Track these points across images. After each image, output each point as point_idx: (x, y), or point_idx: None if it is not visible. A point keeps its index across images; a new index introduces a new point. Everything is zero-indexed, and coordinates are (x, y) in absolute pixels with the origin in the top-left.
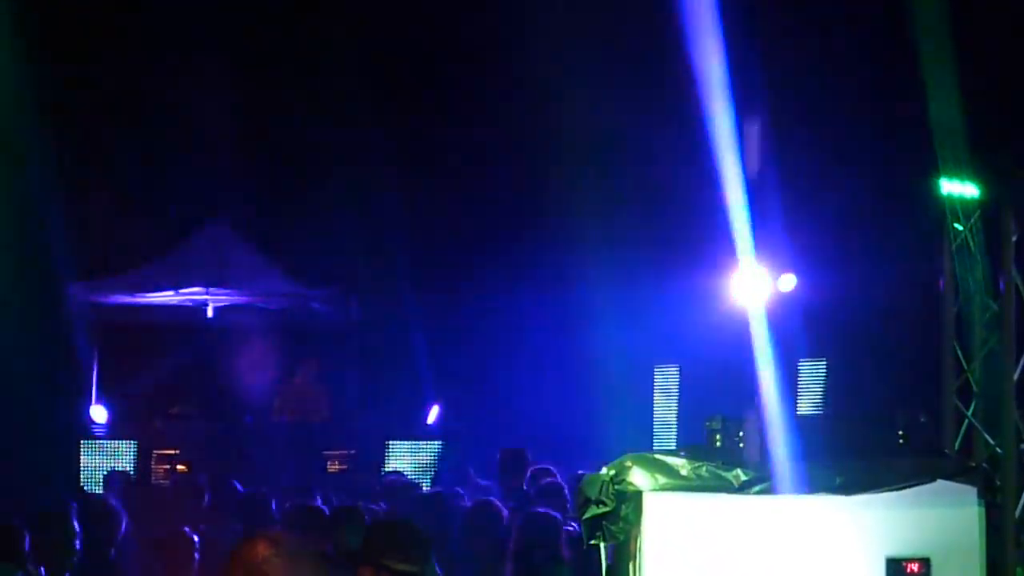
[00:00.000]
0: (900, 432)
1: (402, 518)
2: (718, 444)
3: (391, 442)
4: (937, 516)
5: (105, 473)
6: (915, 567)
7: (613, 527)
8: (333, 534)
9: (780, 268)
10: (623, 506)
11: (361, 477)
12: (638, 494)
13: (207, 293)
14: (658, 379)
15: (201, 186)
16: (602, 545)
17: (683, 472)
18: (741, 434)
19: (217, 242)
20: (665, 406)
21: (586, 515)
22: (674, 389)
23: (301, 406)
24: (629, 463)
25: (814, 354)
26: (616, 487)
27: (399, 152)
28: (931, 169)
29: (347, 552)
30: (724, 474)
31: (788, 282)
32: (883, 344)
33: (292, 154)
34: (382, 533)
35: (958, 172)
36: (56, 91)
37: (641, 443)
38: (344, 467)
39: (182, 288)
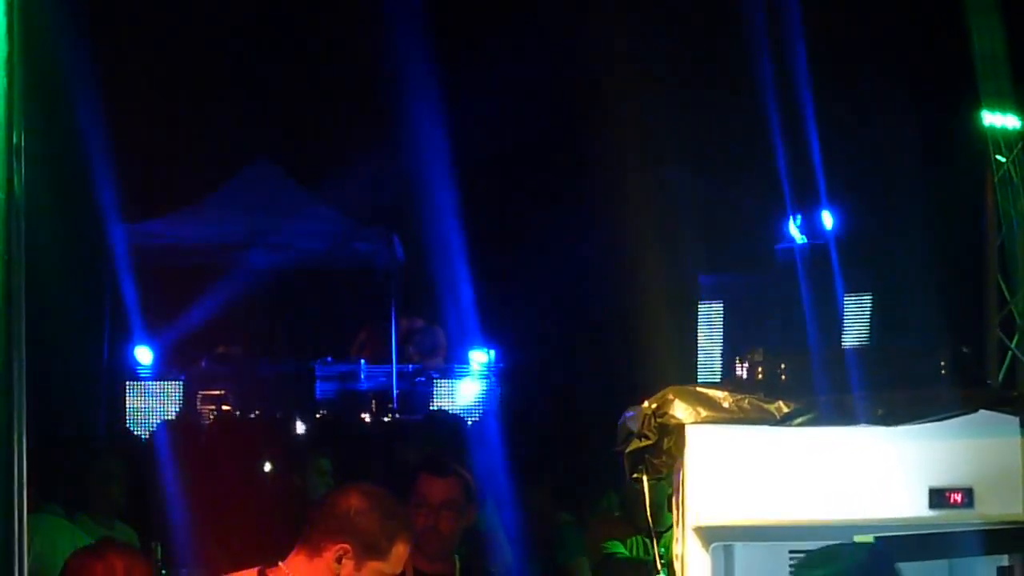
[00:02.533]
0: (942, 363)
1: None
2: (760, 377)
3: (437, 380)
4: (980, 446)
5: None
6: (958, 497)
7: (656, 460)
8: None
9: (823, 204)
10: (665, 439)
11: (407, 415)
12: (680, 427)
13: (252, 232)
14: (702, 315)
15: (246, 125)
16: (645, 478)
17: (725, 404)
18: (783, 366)
19: (262, 181)
20: (709, 342)
21: (629, 449)
22: (719, 325)
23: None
24: (671, 396)
25: (859, 289)
26: (658, 420)
27: (444, 87)
28: (973, 101)
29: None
30: (766, 406)
31: (831, 218)
32: (927, 277)
33: (336, 92)
34: None
35: (1000, 104)
36: (102, 33)
37: (686, 380)
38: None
39: (227, 228)
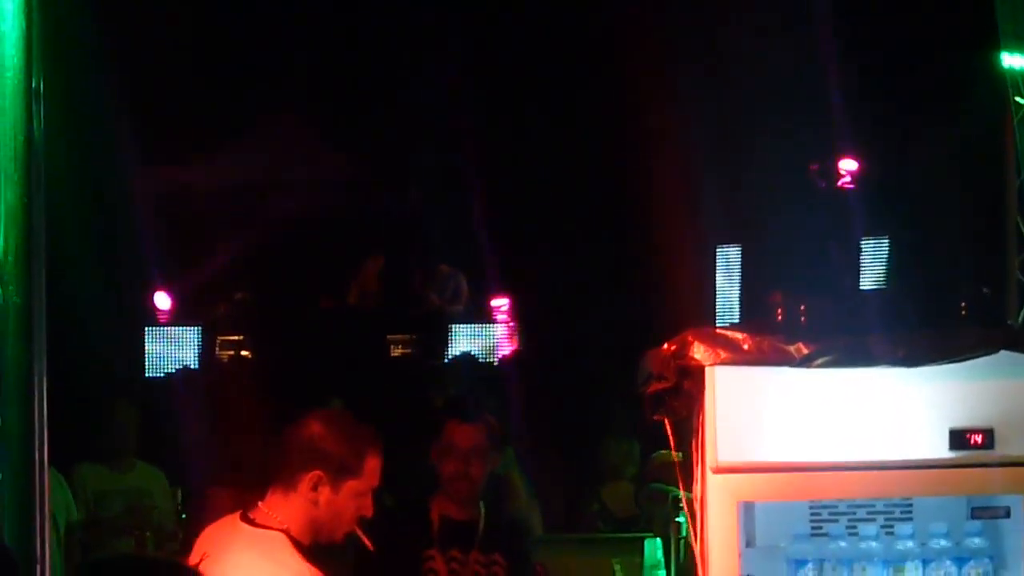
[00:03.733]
0: (963, 304)
1: None
2: (780, 318)
3: (454, 326)
4: (1000, 387)
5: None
6: (978, 438)
7: (675, 402)
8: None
9: (842, 147)
10: (685, 381)
11: (424, 361)
12: (700, 368)
13: (271, 177)
14: (720, 259)
15: (267, 71)
16: (664, 420)
17: (744, 346)
18: (803, 308)
19: (281, 129)
20: (728, 286)
21: (648, 390)
22: (737, 269)
23: (371, 292)
24: (691, 338)
25: (877, 232)
26: (678, 362)
27: (460, 27)
28: (992, 42)
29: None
30: (786, 347)
31: (850, 163)
32: (946, 220)
33: (354, 35)
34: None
35: (1020, 45)
36: None
37: (704, 323)
38: (407, 351)
39: (246, 173)
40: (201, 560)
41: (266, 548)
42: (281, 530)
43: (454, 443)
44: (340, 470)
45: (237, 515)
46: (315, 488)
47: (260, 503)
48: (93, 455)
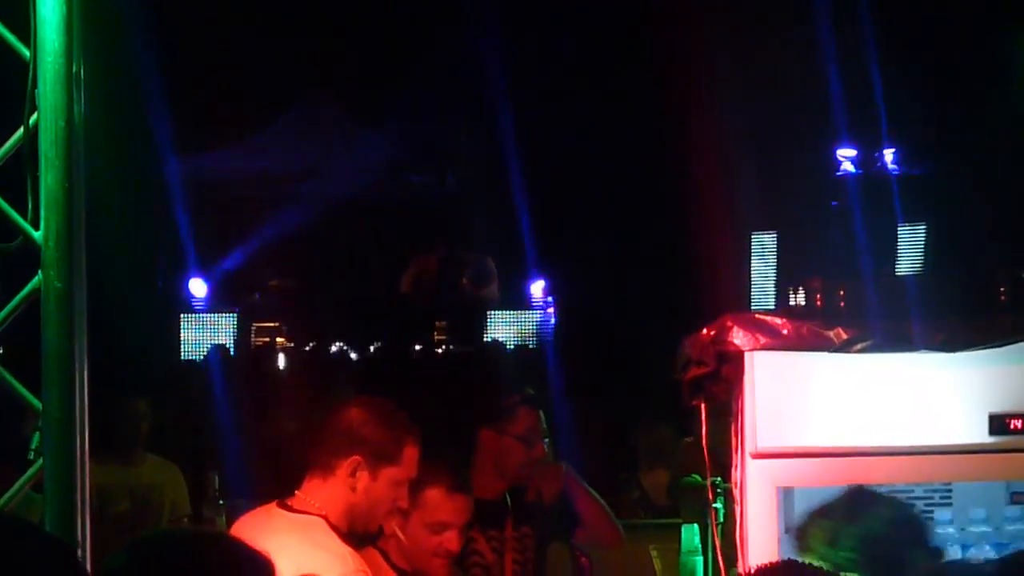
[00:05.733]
0: (1001, 289)
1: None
2: (818, 304)
3: (490, 312)
4: None
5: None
6: (1018, 422)
7: (714, 387)
8: None
9: (879, 133)
10: (724, 366)
11: (459, 346)
12: (739, 354)
13: (306, 165)
14: (756, 246)
15: (301, 58)
16: (702, 406)
17: (784, 331)
18: (841, 293)
19: (317, 114)
20: (763, 273)
21: (687, 376)
22: (772, 256)
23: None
24: (730, 323)
25: (913, 218)
26: (717, 347)
27: (497, 15)
28: None
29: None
30: (825, 332)
31: (886, 148)
32: (983, 205)
33: (390, 23)
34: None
35: None
36: None
37: (739, 310)
38: (442, 337)
39: (281, 161)
40: None
41: (306, 531)
42: (319, 515)
43: (529, 430)
44: (379, 456)
45: (274, 503)
46: (353, 473)
47: (297, 491)
48: (102, 449)
